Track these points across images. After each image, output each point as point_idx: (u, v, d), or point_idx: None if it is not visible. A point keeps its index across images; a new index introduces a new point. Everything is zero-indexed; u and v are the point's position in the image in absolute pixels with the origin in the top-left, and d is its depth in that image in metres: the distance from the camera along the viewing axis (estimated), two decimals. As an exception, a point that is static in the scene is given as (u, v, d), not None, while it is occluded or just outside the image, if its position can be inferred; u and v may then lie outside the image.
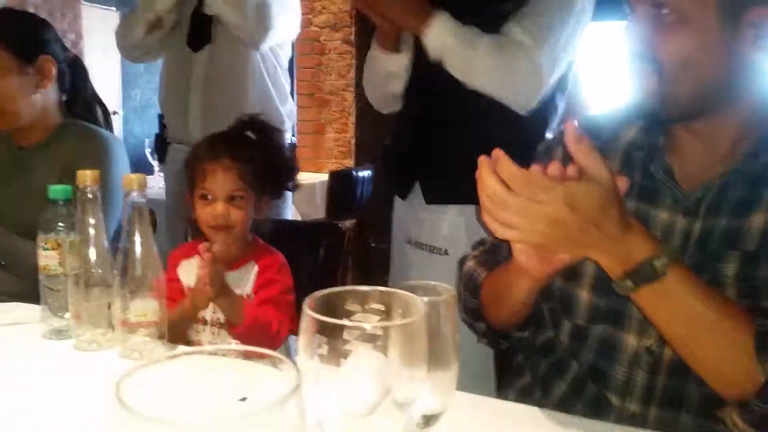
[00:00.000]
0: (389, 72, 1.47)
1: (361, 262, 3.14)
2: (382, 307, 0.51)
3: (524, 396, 0.98)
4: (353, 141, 4.23)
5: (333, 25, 4.08)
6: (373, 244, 3.23)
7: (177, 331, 1.10)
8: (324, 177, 3.57)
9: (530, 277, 0.83)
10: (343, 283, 1.43)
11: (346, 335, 0.45)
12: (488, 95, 1.30)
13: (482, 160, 0.72)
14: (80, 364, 0.97)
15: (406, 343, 0.46)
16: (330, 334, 0.45)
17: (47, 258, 1.05)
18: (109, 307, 1.01)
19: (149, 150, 3.51)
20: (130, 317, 0.97)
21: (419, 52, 1.37)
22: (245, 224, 1.24)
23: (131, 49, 2.06)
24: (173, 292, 1.17)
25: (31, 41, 1.47)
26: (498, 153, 0.71)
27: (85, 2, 4.81)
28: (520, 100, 1.31)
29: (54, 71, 1.49)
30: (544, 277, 0.82)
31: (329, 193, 3.42)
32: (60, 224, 1.06)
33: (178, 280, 1.24)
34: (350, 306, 0.51)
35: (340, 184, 3.49)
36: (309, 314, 0.46)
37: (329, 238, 1.50)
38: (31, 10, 4.38)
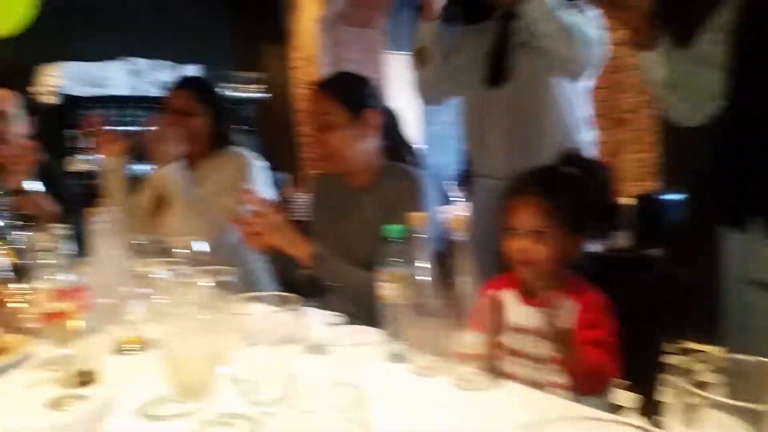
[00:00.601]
0: (658, 75, 1.33)
1: (669, 297, 2.86)
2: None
3: None
4: (655, 162, 3.92)
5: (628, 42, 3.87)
6: (681, 278, 2.92)
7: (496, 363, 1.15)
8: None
9: None
10: (664, 323, 1.33)
11: None
12: None
13: None
14: (416, 387, 1.08)
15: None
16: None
17: (386, 289, 1.20)
18: (441, 337, 1.10)
19: (450, 182, 3.76)
20: (458, 348, 1.05)
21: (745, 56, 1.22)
22: (550, 260, 1.23)
23: (427, 91, 2.22)
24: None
25: (360, 98, 1.71)
26: None
27: (388, 52, 5.40)
28: None
29: (376, 122, 1.72)
30: None
31: (636, 219, 3.20)
32: (396, 259, 1.20)
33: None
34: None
35: (647, 209, 3.25)
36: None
37: (639, 269, 1.41)
38: (346, 64, 5.09)
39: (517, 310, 1.25)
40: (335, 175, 1.79)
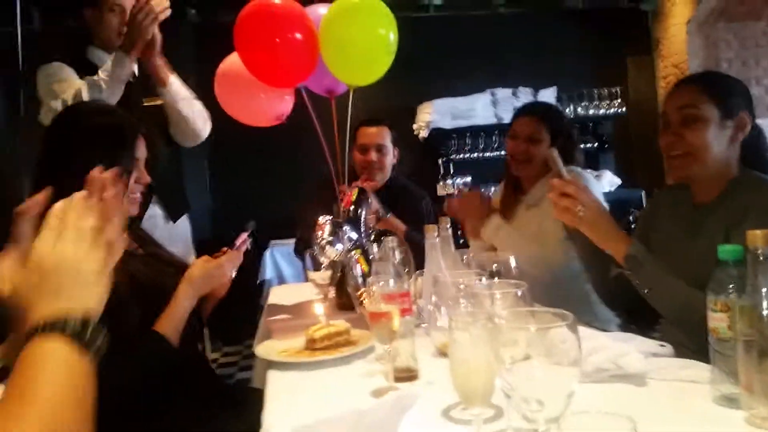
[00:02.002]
0: None
1: None
2: None
3: None
4: None
5: None
6: None
7: None
8: None
9: None
10: None
11: None
12: None
13: None
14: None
15: None
16: None
17: (717, 320, 1.02)
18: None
19: None
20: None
21: None
22: None
23: None
24: None
25: (731, 97, 1.49)
26: None
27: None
28: None
29: (745, 127, 1.47)
30: None
31: None
32: (730, 286, 1.02)
33: None
34: None
35: None
36: None
37: None
38: (723, 65, 4.49)
39: None
40: (680, 188, 1.60)
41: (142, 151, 1.51)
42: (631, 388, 1.10)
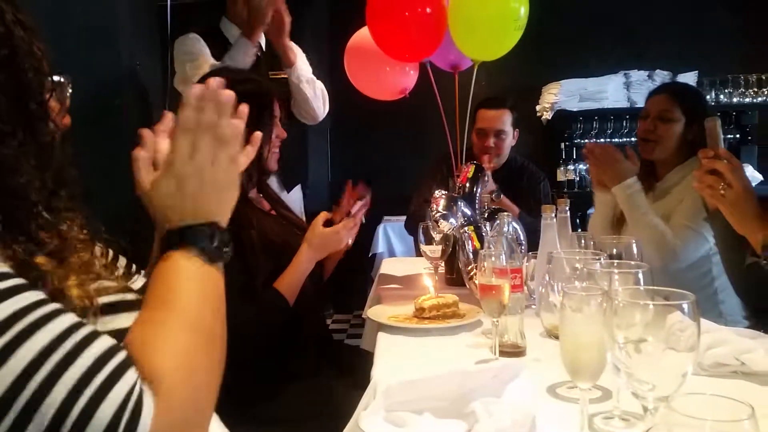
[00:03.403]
0: None
1: None
2: None
3: None
4: None
5: None
6: None
7: None
8: None
9: None
10: None
11: None
12: None
13: None
14: None
15: None
16: None
17: None
18: None
19: None
20: None
21: None
22: None
23: None
24: None
25: None
26: None
27: None
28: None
29: None
30: None
31: None
32: None
33: None
34: None
35: None
36: None
37: None
38: None
39: None
40: None
41: (277, 111, 1.63)
42: (753, 386, 1.04)
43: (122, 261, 0.89)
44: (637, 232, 1.83)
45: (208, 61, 2.36)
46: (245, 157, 0.84)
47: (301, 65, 2.52)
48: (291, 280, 1.52)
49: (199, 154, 0.76)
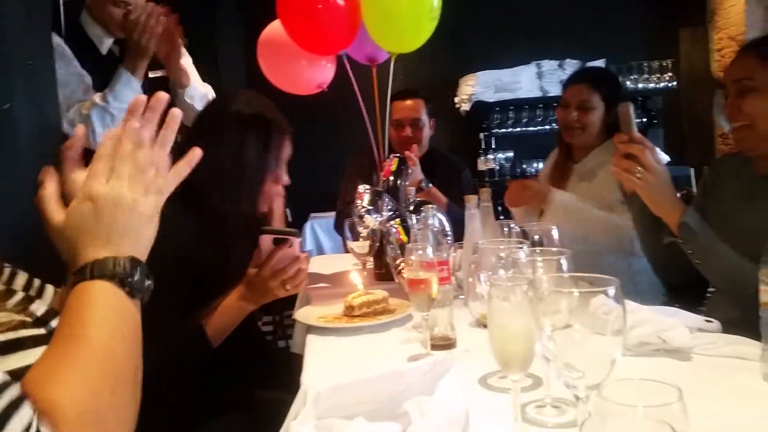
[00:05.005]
0: None
1: None
2: None
3: None
4: None
5: None
6: None
7: None
8: None
9: None
10: None
11: None
12: None
13: None
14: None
15: None
16: None
17: (766, 294, 0.98)
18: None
19: None
20: None
21: None
22: None
23: None
24: None
25: None
26: None
27: None
28: None
29: None
30: None
31: None
32: (786, 259, 0.97)
33: None
34: None
35: None
36: None
37: None
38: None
39: None
40: (742, 157, 1.52)
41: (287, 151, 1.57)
42: (676, 363, 1.07)
43: (20, 279, 0.81)
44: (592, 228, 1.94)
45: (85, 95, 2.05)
46: (176, 175, 0.78)
47: (195, 85, 2.28)
48: (218, 326, 1.36)
49: (116, 179, 0.72)
